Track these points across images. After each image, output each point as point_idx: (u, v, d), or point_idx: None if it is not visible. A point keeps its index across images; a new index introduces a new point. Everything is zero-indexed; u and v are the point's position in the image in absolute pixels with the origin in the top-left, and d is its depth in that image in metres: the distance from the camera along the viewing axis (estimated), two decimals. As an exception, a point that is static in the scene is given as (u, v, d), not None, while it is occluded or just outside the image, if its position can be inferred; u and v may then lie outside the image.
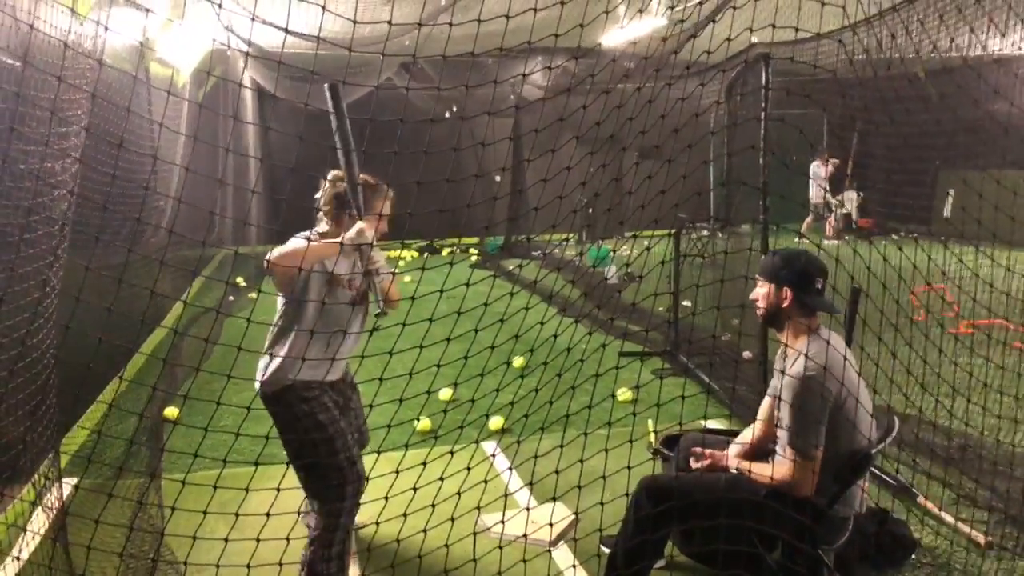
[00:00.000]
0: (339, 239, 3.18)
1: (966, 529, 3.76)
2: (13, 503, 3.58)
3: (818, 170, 15.05)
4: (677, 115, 3.66)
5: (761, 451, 3.23)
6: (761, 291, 3.13)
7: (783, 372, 2.97)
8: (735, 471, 3.12)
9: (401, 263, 12.77)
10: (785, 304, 3.06)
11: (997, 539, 3.67)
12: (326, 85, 3.08)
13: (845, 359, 3.00)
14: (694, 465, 3.24)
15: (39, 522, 3.52)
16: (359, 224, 3.18)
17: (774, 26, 3.36)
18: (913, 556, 3.47)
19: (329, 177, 3.40)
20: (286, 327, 3.28)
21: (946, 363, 3.96)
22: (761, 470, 3.01)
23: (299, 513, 3.68)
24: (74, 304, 3.01)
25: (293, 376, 3.19)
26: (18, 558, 3.14)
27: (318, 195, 3.45)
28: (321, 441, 3.22)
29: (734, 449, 3.31)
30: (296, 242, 3.16)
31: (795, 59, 5.26)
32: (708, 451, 3.27)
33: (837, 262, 3.29)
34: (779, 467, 2.95)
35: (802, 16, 3.44)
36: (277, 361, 3.24)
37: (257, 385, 3.30)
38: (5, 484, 3.42)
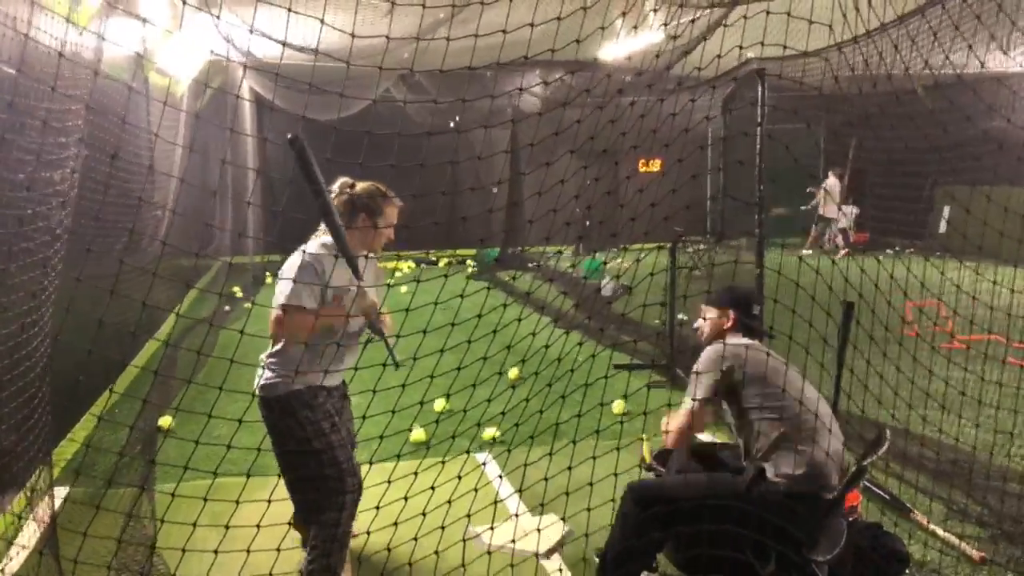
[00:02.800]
0: (341, 309, 3.16)
1: (960, 544, 3.75)
2: (3, 514, 3.57)
3: (834, 184, 15.17)
4: (673, 129, 3.68)
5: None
6: (709, 315, 3.46)
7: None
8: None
9: (398, 274, 12.78)
10: (728, 324, 3.38)
11: (990, 554, 3.67)
12: (289, 138, 2.88)
13: (768, 353, 3.20)
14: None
15: (29, 533, 3.50)
16: (365, 292, 3.19)
17: (762, 44, 3.37)
18: (907, 570, 3.47)
19: (337, 184, 3.37)
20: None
21: (939, 378, 3.97)
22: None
23: (289, 524, 3.65)
24: (67, 315, 3.01)
25: (297, 382, 3.14)
26: (2, 571, 3.13)
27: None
28: (324, 448, 3.18)
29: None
30: (304, 299, 3.09)
31: (790, 75, 5.29)
32: None
33: (818, 274, 3.32)
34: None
35: (796, 33, 3.46)
36: (279, 367, 3.19)
37: (257, 391, 3.21)
38: (-4, 494, 3.42)
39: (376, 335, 3.29)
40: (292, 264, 3.19)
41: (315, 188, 2.99)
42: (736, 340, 3.30)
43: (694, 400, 3.19)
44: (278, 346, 3.23)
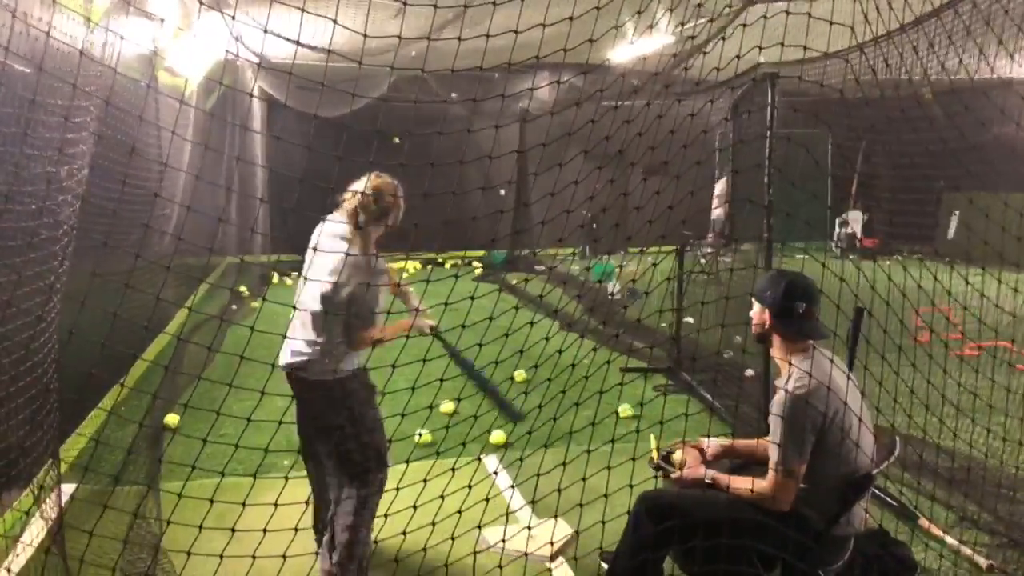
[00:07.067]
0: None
1: (968, 552, 3.73)
2: (9, 509, 3.57)
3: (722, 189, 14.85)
4: (683, 132, 3.67)
5: (754, 462, 3.24)
6: (754, 311, 3.17)
7: (779, 389, 2.98)
8: (710, 481, 3.10)
9: (404, 275, 12.77)
10: (767, 326, 3.09)
11: (999, 562, 3.65)
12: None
13: (849, 379, 3.01)
14: (673, 475, 3.23)
15: (36, 529, 3.50)
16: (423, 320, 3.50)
17: (782, 44, 3.36)
18: (914, 578, 3.44)
19: (352, 188, 3.46)
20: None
21: (949, 384, 3.95)
22: (739, 483, 3.01)
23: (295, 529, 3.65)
24: (77, 309, 3.01)
25: (344, 367, 3.33)
26: (8, 570, 3.12)
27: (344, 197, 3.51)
28: (367, 429, 3.39)
29: (715, 448, 3.36)
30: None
31: (801, 78, 5.27)
32: (690, 454, 3.26)
33: (842, 280, 3.29)
34: (758, 480, 2.95)
35: (809, 36, 3.44)
36: (333, 350, 3.33)
37: (311, 374, 3.35)
38: (2, 490, 3.41)
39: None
40: (335, 268, 3.28)
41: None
42: (805, 363, 2.95)
43: (788, 466, 2.86)
44: (322, 335, 3.35)
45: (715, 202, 14.49)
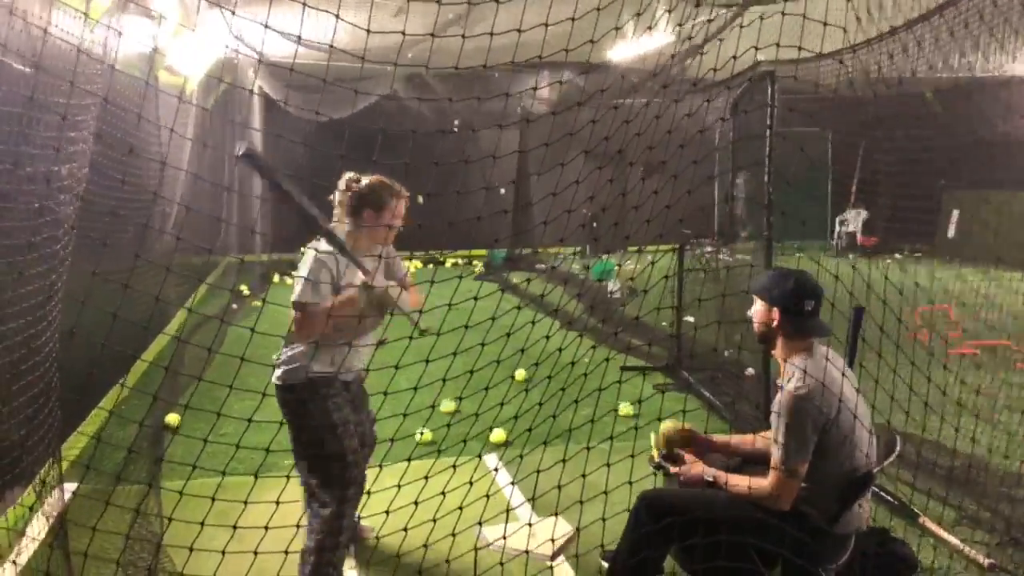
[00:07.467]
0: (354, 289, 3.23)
1: (968, 550, 3.73)
2: (13, 507, 3.58)
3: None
4: (683, 131, 3.67)
5: (754, 460, 3.25)
6: (756, 309, 3.16)
7: (781, 388, 2.99)
8: (710, 479, 3.11)
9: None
10: (774, 324, 3.08)
11: (999, 561, 3.65)
12: (240, 154, 3.07)
13: (843, 376, 3.01)
14: (672, 469, 3.24)
15: (38, 527, 3.51)
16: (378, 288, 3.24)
17: (778, 45, 3.36)
18: (914, 576, 3.45)
19: (343, 180, 3.47)
20: None
21: (949, 383, 3.95)
22: (739, 481, 3.01)
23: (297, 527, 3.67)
24: (78, 309, 3.01)
25: (312, 371, 3.27)
26: (14, 563, 3.13)
27: (333, 197, 3.51)
28: (331, 437, 3.30)
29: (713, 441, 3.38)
30: (315, 297, 3.20)
31: (800, 77, 5.28)
32: (688, 456, 3.28)
33: (837, 279, 3.29)
34: (760, 479, 2.95)
35: (809, 35, 3.45)
36: (296, 356, 3.32)
37: (274, 377, 3.35)
38: (5, 488, 3.42)
39: (401, 314, 3.40)
40: (304, 262, 3.25)
41: (278, 195, 3.10)
42: (803, 361, 2.97)
43: (790, 465, 2.87)
44: (291, 335, 3.35)
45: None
